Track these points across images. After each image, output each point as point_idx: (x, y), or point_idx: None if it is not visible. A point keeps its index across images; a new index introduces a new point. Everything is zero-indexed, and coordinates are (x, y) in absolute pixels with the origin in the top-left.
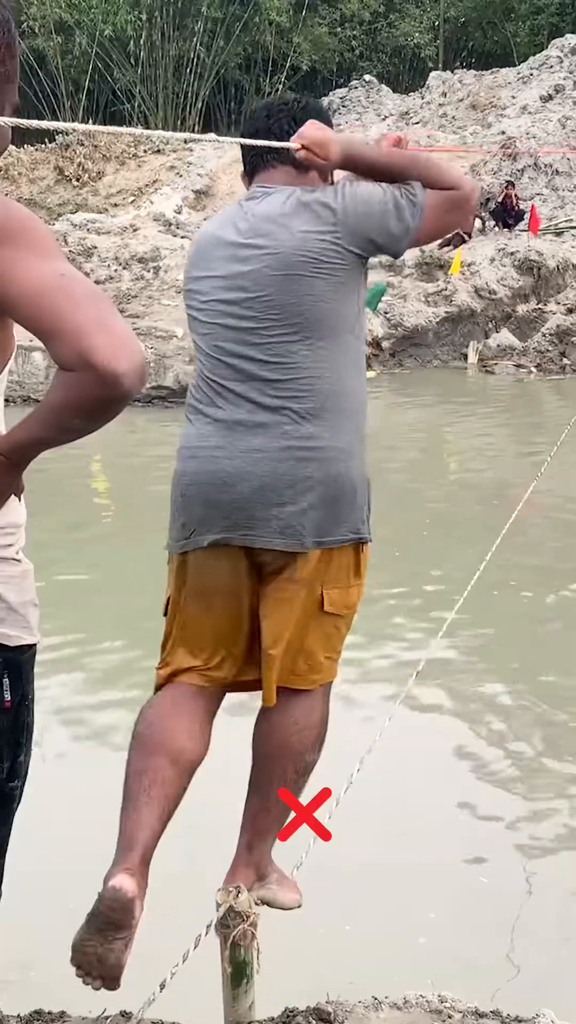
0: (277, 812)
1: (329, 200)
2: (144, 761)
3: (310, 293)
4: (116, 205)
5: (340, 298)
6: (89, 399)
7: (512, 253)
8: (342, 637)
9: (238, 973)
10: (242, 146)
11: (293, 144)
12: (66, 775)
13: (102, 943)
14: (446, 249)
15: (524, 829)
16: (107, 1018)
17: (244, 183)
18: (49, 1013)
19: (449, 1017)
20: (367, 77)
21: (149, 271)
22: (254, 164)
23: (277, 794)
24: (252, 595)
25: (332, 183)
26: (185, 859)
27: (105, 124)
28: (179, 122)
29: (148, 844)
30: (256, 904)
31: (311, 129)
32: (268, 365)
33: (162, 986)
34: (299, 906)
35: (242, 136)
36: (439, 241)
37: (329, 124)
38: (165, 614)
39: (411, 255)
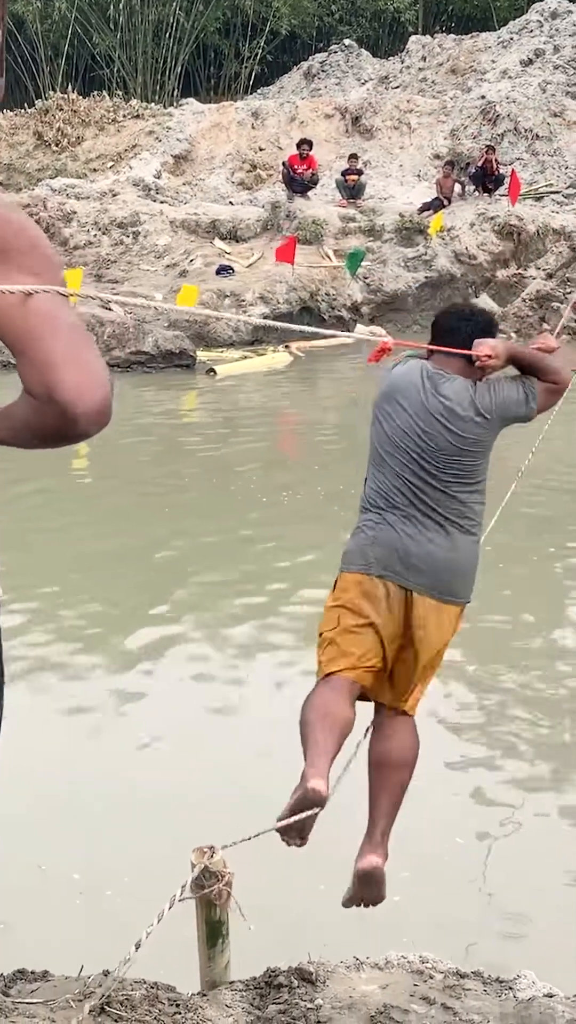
0: (398, 809)
1: (487, 405)
2: (318, 716)
3: (473, 461)
4: (95, 170)
5: (487, 457)
6: (46, 428)
7: (492, 218)
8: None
9: (213, 933)
10: (436, 328)
11: (481, 353)
12: (31, 736)
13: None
14: (426, 213)
15: (499, 791)
16: (88, 976)
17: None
18: (32, 972)
19: (431, 978)
20: (347, 41)
21: (128, 236)
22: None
23: (402, 796)
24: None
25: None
26: (161, 823)
27: (84, 88)
28: (158, 87)
29: (330, 756)
30: None
31: (496, 346)
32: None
33: (137, 946)
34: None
35: (433, 326)
36: (420, 206)
37: (496, 332)
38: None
39: (390, 220)
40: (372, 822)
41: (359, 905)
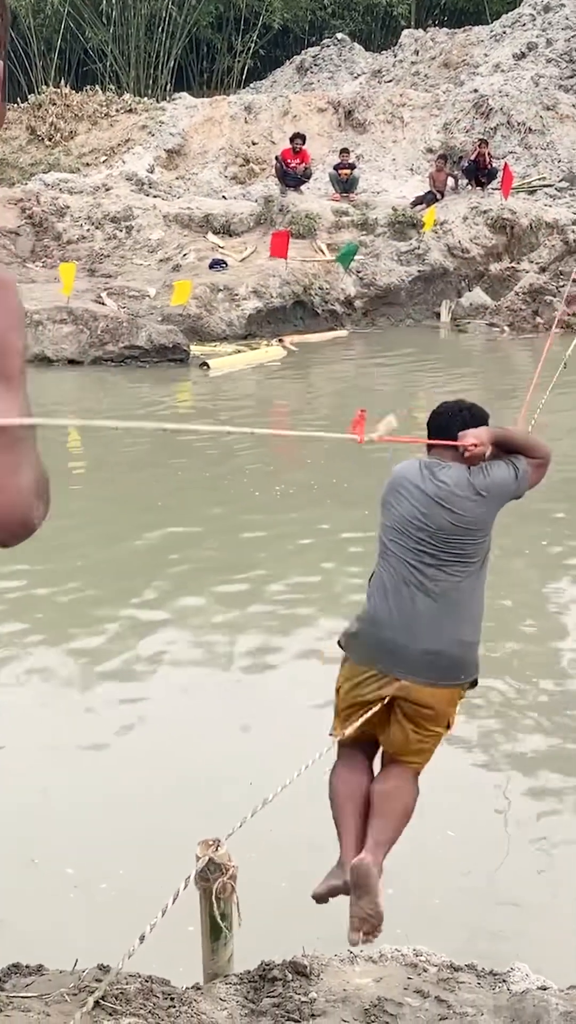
0: (390, 835)
1: (483, 484)
2: (342, 801)
3: (473, 541)
4: (88, 164)
5: (486, 540)
6: None
7: (485, 211)
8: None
9: (216, 926)
10: (430, 426)
11: (469, 446)
12: (22, 731)
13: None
14: (419, 207)
15: (490, 784)
16: (83, 971)
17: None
18: (27, 967)
19: (424, 971)
20: (339, 35)
21: (122, 230)
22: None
23: (393, 828)
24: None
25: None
26: (167, 818)
27: (77, 83)
28: (151, 82)
29: (359, 834)
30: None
31: (480, 435)
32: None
33: (141, 938)
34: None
35: (428, 424)
36: (412, 199)
37: (487, 420)
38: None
39: (383, 213)
40: (366, 836)
41: (357, 929)
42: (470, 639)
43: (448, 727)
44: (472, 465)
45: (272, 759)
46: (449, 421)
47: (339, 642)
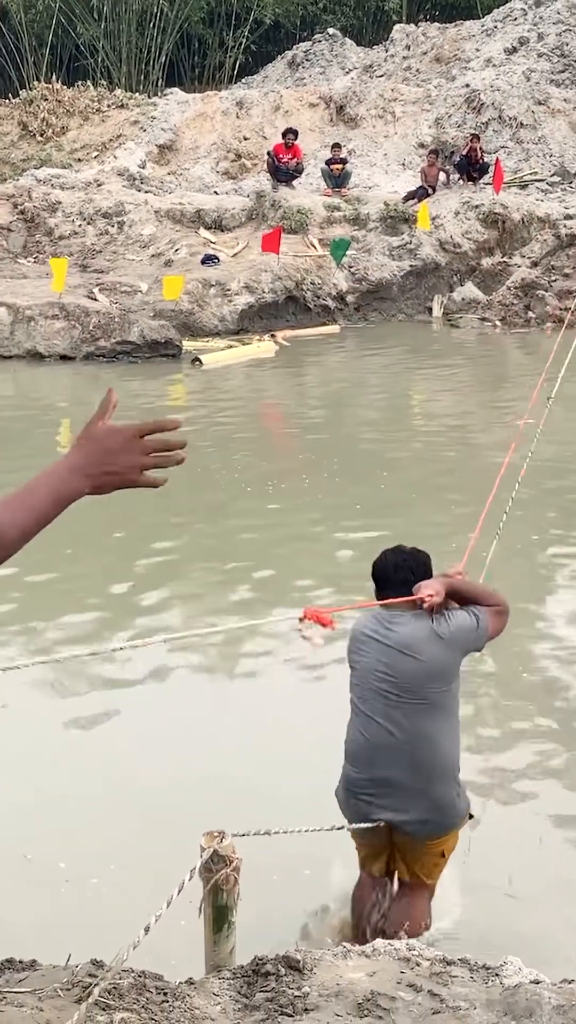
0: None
1: (444, 629)
2: (356, 913)
3: (439, 688)
4: (80, 160)
5: (452, 691)
6: None
7: (477, 206)
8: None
9: (220, 917)
10: (375, 575)
11: (426, 597)
12: (13, 727)
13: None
14: (411, 202)
15: (482, 776)
16: (77, 966)
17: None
18: (20, 962)
19: (417, 965)
20: (331, 31)
21: (114, 226)
22: (386, 594)
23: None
24: None
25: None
26: (158, 814)
27: (68, 78)
28: (143, 77)
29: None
30: None
31: (434, 586)
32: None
33: (146, 930)
34: None
35: (373, 575)
36: (404, 194)
37: (428, 562)
38: None
39: (375, 208)
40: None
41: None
42: (443, 794)
43: (443, 856)
44: (433, 614)
45: (266, 753)
46: (394, 571)
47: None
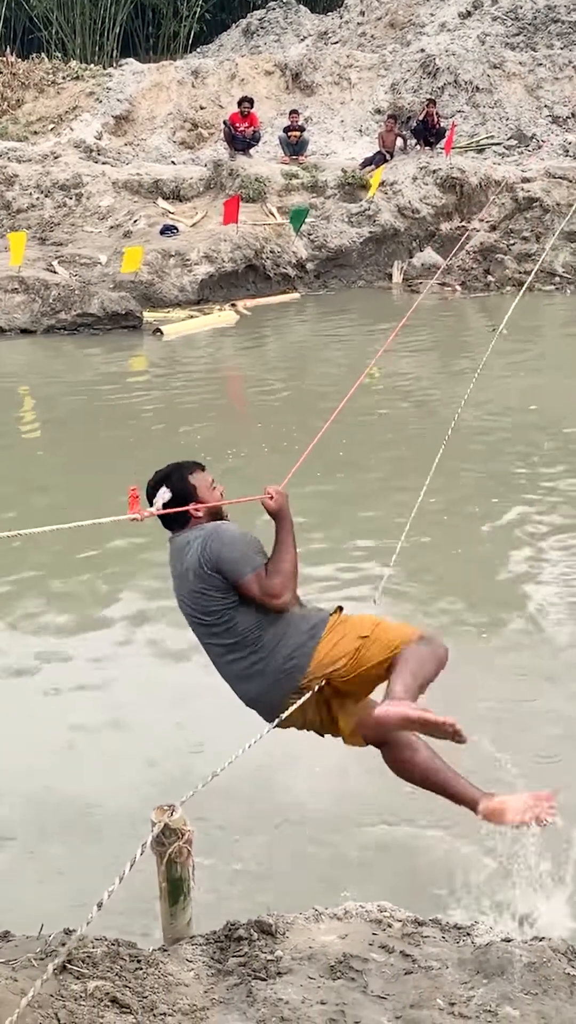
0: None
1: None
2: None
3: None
4: (36, 133)
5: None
6: None
7: (434, 171)
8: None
9: (175, 890)
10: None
11: (269, 492)
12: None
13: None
14: (368, 168)
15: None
16: (49, 935)
17: None
18: None
19: (389, 926)
20: None
21: (71, 198)
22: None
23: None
24: None
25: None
26: (125, 784)
27: (23, 51)
28: (97, 48)
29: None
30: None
31: (281, 493)
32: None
33: (99, 905)
34: None
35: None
36: (362, 161)
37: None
38: None
39: (333, 176)
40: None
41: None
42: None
43: (362, 637)
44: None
45: (222, 725)
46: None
47: None
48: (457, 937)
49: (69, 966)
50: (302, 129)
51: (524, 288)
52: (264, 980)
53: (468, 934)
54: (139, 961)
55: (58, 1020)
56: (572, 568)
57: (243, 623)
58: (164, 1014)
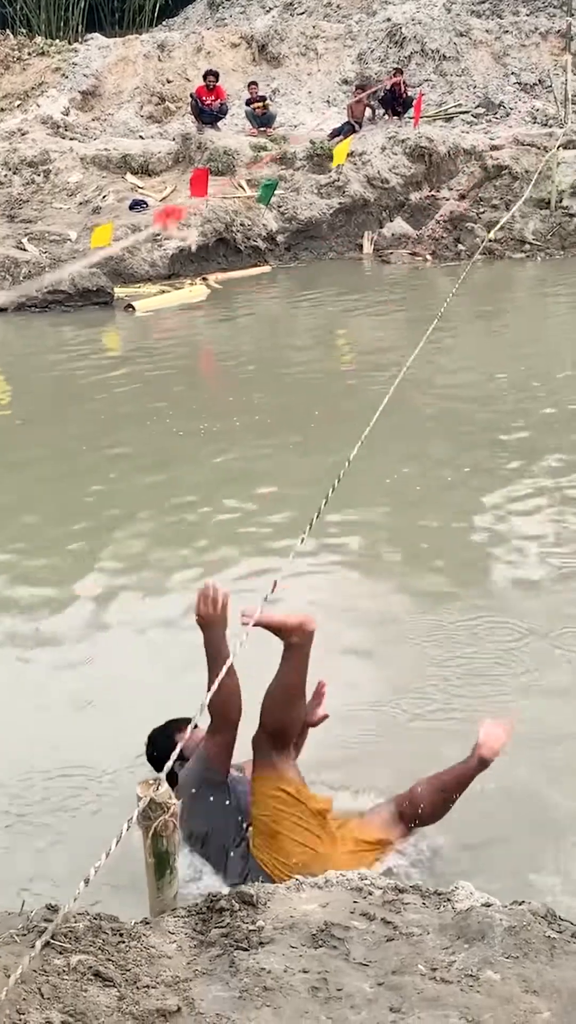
0: None
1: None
2: None
3: None
4: (3, 110)
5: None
6: None
7: (403, 141)
8: None
9: (161, 864)
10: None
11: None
12: None
13: None
14: (336, 139)
15: (429, 695)
16: (31, 911)
17: None
18: None
19: (370, 894)
20: None
21: (40, 175)
22: None
23: None
24: None
25: None
26: (111, 759)
27: None
28: (62, 23)
29: None
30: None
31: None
32: None
33: (86, 881)
34: None
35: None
36: (330, 131)
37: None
38: None
39: (301, 147)
40: None
41: None
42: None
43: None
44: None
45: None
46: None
47: None
48: (437, 903)
49: (52, 941)
50: (264, 99)
51: (475, 255)
52: (246, 950)
53: (448, 900)
54: (121, 934)
55: (41, 995)
56: (545, 531)
57: None
58: (147, 986)
